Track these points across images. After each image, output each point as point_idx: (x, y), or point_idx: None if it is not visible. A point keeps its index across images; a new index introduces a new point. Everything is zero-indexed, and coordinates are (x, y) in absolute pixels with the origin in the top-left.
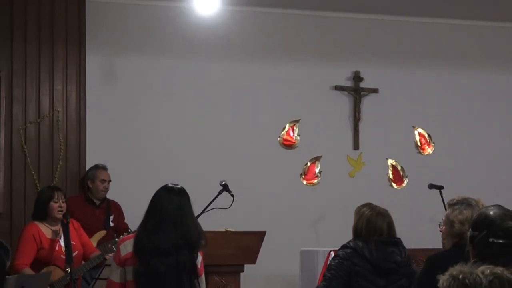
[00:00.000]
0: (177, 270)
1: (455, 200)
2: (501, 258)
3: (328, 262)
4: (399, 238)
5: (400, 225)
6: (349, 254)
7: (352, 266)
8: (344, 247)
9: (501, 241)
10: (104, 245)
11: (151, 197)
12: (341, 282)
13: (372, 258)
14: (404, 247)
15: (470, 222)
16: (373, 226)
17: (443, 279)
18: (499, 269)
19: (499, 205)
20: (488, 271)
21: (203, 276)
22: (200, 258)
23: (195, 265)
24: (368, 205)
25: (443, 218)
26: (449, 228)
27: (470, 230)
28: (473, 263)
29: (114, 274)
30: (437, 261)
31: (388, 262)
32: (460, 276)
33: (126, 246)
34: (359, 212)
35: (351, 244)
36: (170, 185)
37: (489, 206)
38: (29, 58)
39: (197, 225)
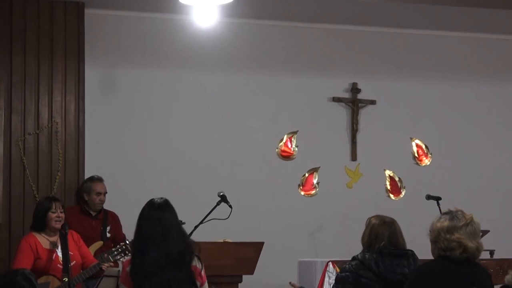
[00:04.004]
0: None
1: (447, 210)
2: None
3: (336, 274)
4: (410, 250)
5: None
6: (355, 267)
7: (358, 278)
8: (352, 259)
9: None
10: (100, 255)
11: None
12: None
13: (378, 270)
14: (415, 259)
15: (446, 232)
16: (375, 235)
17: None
18: None
19: None
20: None
21: (206, 285)
22: (202, 265)
23: (186, 278)
24: (376, 216)
25: None
26: (430, 235)
27: None
28: None
29: None
30: (422, 272)
31: (395, 274)
32: None
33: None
34: (367, 223)
35: (359, 256)
36: (152, 200)
37: None
38: (28, 70)
39: (183, 237)
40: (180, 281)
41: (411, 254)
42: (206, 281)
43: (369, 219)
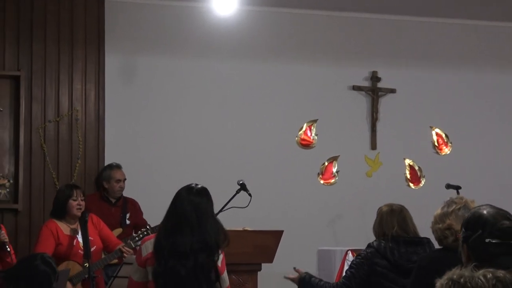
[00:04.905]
0: (195, 273)
1: (449, 199)
2: (500, 257)
3: (352, 260)
4: (426, 238)
5: (417, 225)
6: (369, 254)
7: (373, 266)
8: (367, 246)
9: (497, 241)
10: (123, 241)
11: (172, 195)
12: (360, 282)
13: (393, 258)
14: (431, 247)
15: (438, 220)
16: (385, 223)
17: (441, 282)
18: (501, 272)
19: (491, 205)
20: (490, 274)
21: (225, 274)
22: (221, 256)
23: (214, 267)
24: (386, 204)
25: None
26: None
27: (463, 230)
28: (473, 267)
29: (136, 273)
30: (423, 261)
31: (410, 262)
32: (461, 280)
33: (147, 247)
34: (378, 211)
35: (374, 244)
36: (191, 185)
37: (481, 206)
38: (48, 58)
39: (217, 226)
40: (209, 268)
41: (427, 242)
42: (225, 270)
43: (380, 208)
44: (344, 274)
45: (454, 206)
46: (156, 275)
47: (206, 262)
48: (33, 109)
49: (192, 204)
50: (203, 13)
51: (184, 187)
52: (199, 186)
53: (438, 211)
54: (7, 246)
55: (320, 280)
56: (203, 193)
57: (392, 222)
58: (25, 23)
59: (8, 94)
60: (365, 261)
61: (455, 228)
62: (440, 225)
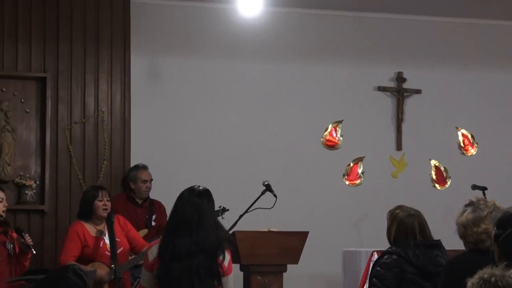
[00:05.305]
0: (189, 274)
1: (468, 202)
2: None
3: (374, 270)
4: (440, 240)
5: (443, 226)
6: (397, 261)
7: (403, 274)
8: (388, 253)
9: None
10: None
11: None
12: None
13: (418, 263)
14: (445, 249)
15: (472, 225)
16: (405, 227)
17: (472, 282)
18: None
19: None
20: None
21: (230, 276)
22: (228, 257)
23: (213, 269)
24: (399, 207)
25: None
26: (458, 230)
27: (495, 228)
28: (504, 266)
29: (144, 278)
30: (455, 264)
31: (436, 266)
32: (492, 279)
33: (153, 251)
34: (391, 215)
35: (396, 250)
36: (193, 186)
37: None
38: (74, 59)
39: (217, 228)
40: (207, 270)
41: (441, 244)
42: (232, 273)
43: (392, 212)
44: (371, 285)
45: (486, 211)
46: (159, 279)
47: (203, 265)
48: (59, 110)
49: (192, 205)
50: (228, 14)
51: (187, 188)
52: (201, 187)
53: (470, 215)
54: (32, 250)
55: None
56: (205, 194)
57: (413, 226)
58: (51, 25)
59: (34, 95)
60: (394, 269)
61: (491, 231)
62: (475, 229)
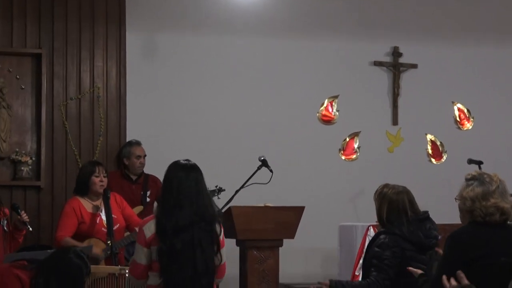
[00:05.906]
0: (192, 245)
1: (470, 176)
2: None
3: (373, 251)
4: (428, 212)
5: (439, 200)
6: (395, 240)
7: (403, 252)
8: (384, 232)
9: None
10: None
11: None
12: (395, 270)
13: (414, 238)
14: (433, 220)
15: (481, 199)
16: (396, 205)
17: None
18: None
19: None
20: None
21: (224, 250)
22: (222, 231)
23: (214, 238)
24: (385, 186)
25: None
26: (462, 204)
27: None
28: None
29: (139, 255)
30: (460, 237)
31: (430, 239)
32: None
33: (150, 227)
34: (380, 195)
35: (391, 229)
36: (182, 161)
37: None
38: (69, 36)
39: (212, 200)
40: (208, 241)
41: (429, 215)
42: (224, 246)
43: (380, 191)
44: (372, 265)
45: (494, 185)
46: (160, 255)
47: (204, 235)
48: (54, 86)
49: (190, 179)
50: None
51: (174, 164)
52: (191, 162)
53: (478, 189)
54: (29, 226)
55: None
56: (196, 167)
57: (404, 203)
58: (46, 1)
59: (29, 71)
60: (394, 248)
61: (501, 205)
62: (484, 203)
